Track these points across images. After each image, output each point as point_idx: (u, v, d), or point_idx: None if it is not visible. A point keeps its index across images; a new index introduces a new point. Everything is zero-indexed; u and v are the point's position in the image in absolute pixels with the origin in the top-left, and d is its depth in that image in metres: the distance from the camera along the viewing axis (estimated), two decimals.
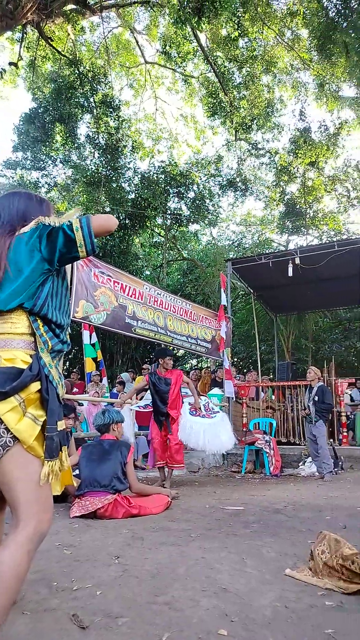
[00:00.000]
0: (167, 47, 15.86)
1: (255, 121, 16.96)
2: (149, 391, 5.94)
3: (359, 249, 9.07)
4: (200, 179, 17.63)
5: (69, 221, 1.56)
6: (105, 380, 10.07)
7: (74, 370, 11.26)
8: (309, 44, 14.84)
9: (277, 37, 15.20)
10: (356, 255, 9.37)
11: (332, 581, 2.00)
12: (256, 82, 16.00)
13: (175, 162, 17.48)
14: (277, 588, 1.96)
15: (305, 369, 7.85)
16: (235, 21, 13.54)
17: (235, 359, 16.71)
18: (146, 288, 7.20)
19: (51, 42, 14.00)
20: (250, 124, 16.91)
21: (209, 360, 14.27)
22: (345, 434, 8.19)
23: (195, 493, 5.00)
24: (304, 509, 3.83)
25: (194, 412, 5.89)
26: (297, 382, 8.99)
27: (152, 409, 5.75)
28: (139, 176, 16.39)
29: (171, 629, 1.56)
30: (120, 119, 16.80)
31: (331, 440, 7.25)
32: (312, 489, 5.14)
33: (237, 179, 18.12)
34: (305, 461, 7.23)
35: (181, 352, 15.64)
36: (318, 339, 16.38)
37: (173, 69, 17.71)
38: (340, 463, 6.86)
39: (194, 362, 19.97)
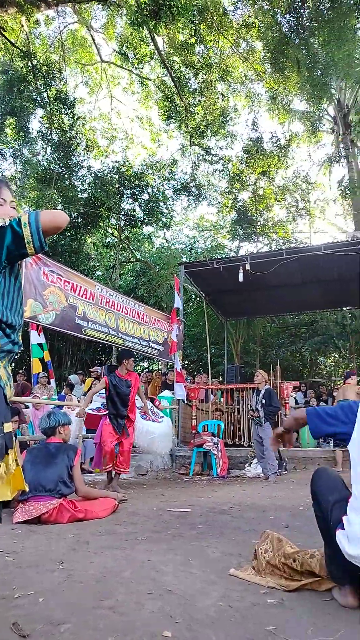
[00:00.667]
0: (124, 48, 15.81)
1: (210, 128, 17.24)
2: (98, 394, 5.84)
3: (306, 258, 9.43)
4: (155, 182, 17.67)
5: (17, 217, 1.52)
6: (53, 382, 9.82)
7: (20, 371, 10.90)
8: (263, 57, 15.30)
9: (233, 47, 15.55)
10: (303, 264, 9.74)
11: (275, 579, 2.05)
12: (211, 90, 16.27)
13: (129, 163, 17.42)
14: (221, 588, 1.99)
15: (253, 372, 8.04)
16: (192, 27, 13.72)
17: (186, 362, 16.84)
18: (98, 288, 7.11)
19: (3, 32, 13.55)
20: (204, 130, 17.16)
21: (159, 362, 14.25)
22: None
23: (143, 496, 4.99)
24: (249, 509, 3.92)
25: (144, 415, 5.88)
26: (245, 385, 9.19)
27: (104, 412, 5.64)
28: (93, 175, 16.19)
29: (115, 633, 1.55)
30: (75, 116, 16.51)
31: None
32: (257, 490, 5.27)
33: (191, 184, 18.33)
34: (251, 462, 7.39)
35: None
36: (266, 343, 16.83)
37: (129, 70, 17.67)
38: (284, 464, 7.07)
39: (145, 364, 19.92)
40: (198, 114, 16.82)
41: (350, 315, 14.67)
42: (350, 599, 1.77)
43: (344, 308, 14.28)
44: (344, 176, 17.50)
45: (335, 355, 17.99)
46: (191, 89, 16.46)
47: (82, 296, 6.60)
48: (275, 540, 2.17)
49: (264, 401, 6.68)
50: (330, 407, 2.02)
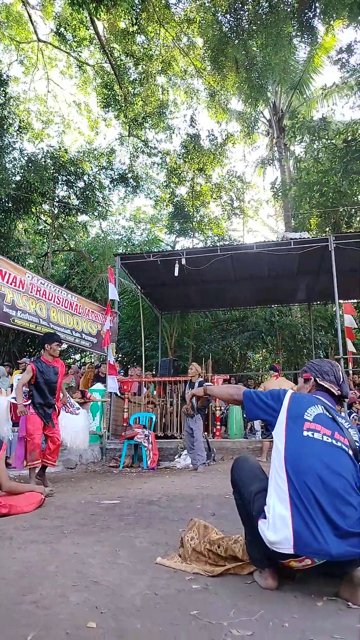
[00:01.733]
0: (62, 29, 15.23)
1: (149, 119, 17.13)
2: None
3: (239, 256, 9.71)
4: (92, 170, 17.28)
5: None
6: None
7: None
8: (203, 53, 15.42)
9: (174, 40, 15.53)
10: (236, 261, 10.03)
11: (200, 565, 2.11)
12: (151, 81, 16.17)
13: (65, 149, 16.88)
14: (148, 577, 2.01)
15: (186, 365, 8.16)
16: (134, 16, 13.52)
17: (120, 355, 16.72)
18: (28, 277, 6.85)
19: None
20: (143, 121, 17.03)
21: (92, 355, 14.02)
22: (218, 427, 8.70)
23: (71, 489, 4.90)
24: (177, 499, 3.99)
25: (64, 407, 5.68)
26: (178, 378, 9.31)
27: (27, 402, 5.27)
28: (26, 158, 15.47)
29: (38, 627, 1.51)
30: (7, 96, 15.66)
31: (205, 433, 7.63)
32: (186, 480, 5.37)
33: (129, 175, 18.13)
34: (181, 454, 7.51)
35: (64, 345, 15.16)
36: (199, 337, 17.13)
37: (67, 53, 17.08)
38: (212, 455, 7.26)
39: (78, 357, 19.52)
40: (137, 104, 16.65)
41: (278, 312, 15.33)
42: (270, 581, 1.86)
43: (273, 305, 14.90)
44: (276, 178, 18.16)
45: (264, 350, 18.72)
46: (131, 79, 16.25)
47: (10, 284, 6.32)
48: (202, 527, 2.23)
49: None
50: (264, 392, 2.11)
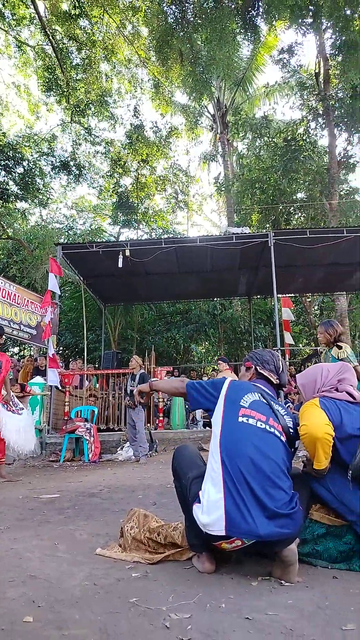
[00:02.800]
0: (1, 5, 14.46)
1: (92, 107, 16.74)
2: None
3: (183, 249, 9.78)
4: (32, 155, 16.63)
5: None
6: None
7: None
8: (148, 43, 15.26)
9: (118, 28, 15.23)
10: (180, 254, 10.09)
11: (140, 554, 2.13)
12: (94, 67, 15.78)
13: (3, 132, 16.11)
14: (87, 568, 2.00)
15: (130, 358, 8.14)
16: None
17: (61, 347, 16.34)
18: None
19: None
20: (85, 108, 16.60)
21: (32, 347, 13.61)
22: (161, 418, 8.76)
23: (9, 485, 4.75)
24: (119, 490, 3.99)
25: (5, 406, 5.49)
26: (120, 371, 9.26)
27: None
28: None
29: None
30: None
31: (148, 424, 7.67)
32: (128, 472, 5.38)
33: (71, 163, 17.64)
34: (123, 446, 7.50)
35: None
36: (143, 330, 17.11)
37: (5, 31, 16.23)
38: (155, 446, 7.31)
39: (16, 349, 18.85)
40: (80, 90, 16.19)
41: (220, 305, 15.63)
42: (207, 564, 1.92)
43: (216, 299, 15.18)
44: (219, 174, 18.43)
45: (206, 342, 19.05)
46: (73, 63, 15.76)
47: None
48: (142, 516, 2.25)
49: (137, 385, 6.83)
50: (205, 381, 2.15)
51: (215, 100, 18.76)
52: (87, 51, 15.32)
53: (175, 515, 2.78)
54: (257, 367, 2.23)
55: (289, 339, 11.08)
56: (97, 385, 9.95)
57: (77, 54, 15.74)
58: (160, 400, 8.76)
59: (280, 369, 2.23)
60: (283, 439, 1.95)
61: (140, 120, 17.92)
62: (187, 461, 2.10)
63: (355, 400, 2.06)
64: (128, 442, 7.20)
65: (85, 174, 18.55)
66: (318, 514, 2.04)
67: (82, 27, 14.92)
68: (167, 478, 4.55)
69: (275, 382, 2.20)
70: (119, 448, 7.58)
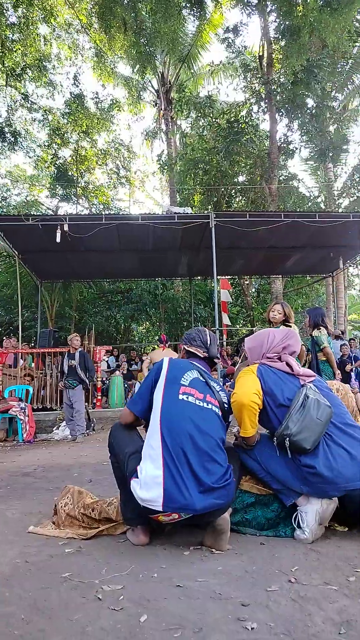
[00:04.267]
0: None
1: (29, 71, 15.79)
2: None
3: (125, 226, 9.59)
4: None
5: None
6: None
7: None
8: (90, 9, 14.56)
9: None
10: (121, 232, 9.90)
11: (74, 530, 2.13)
12: (32, 29, 14.83)
13: None
14: (18, 546, 1.97)
15: (68, 337, 7.97)
16: None
17: None
18: None
19: None
20: (22, 72, 15.63)
21: None
22: (99, 397, 8.71)
23: None
24: (54, 469, 3.94)
25: None
26: (57, 349, 9.05)
27: None
28: None
29: None
30: None
31: (86, 403, 7.59)
32: (64, 451, 5.32)
33: (6, 129, 16.60)
34: (59, 425, 7.39)
35: None
36: (82, 308, 16.77)
37: None
38: (92, 425, 7.28)
39: None
40: (16, 52, 15.18)
41: (161, 285, 15.64)
42: (141, 537, 1.97)
43: (157, 279, 15.14)
44: (162, 151, 18.16)
45: (147, 322, 19.04)
46: (9, 22, 14.70)
47: None
48: (76, 493, 2.24)
49: (78, 364, 6.74)
50: (142, 385, 2.15)
51: (160, 76, 18.33)
52: (23, 10, 14.32)
53: (111, 492, 2.80)
54: (185, 346, 2.29)
55: (226, 320, 11.36)
56: (33, 364, 9.67)
57: (12, 12, 14.67)
58: (99, 379, 8.69)
59: (208, 343, 2.28)
60: (219, 413, 2.02)
61: (81, 89, 17.17)
62: (125, 437, 2.11)
63: (293, 371, 2.16)
64: (64, 422, 7.11)
65: (20, 142, 17.56)
66: (248, 484, 2.14)
67: None
68: (104, 456, 4.54)
69: (203, 356, 2.25)
70: (55, 427, 7.47)
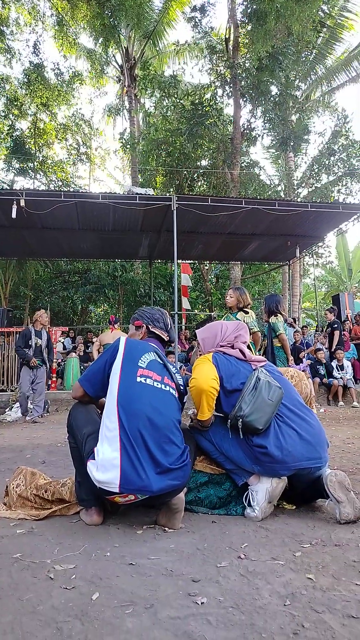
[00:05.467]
0: None
1: None
2: None
3: (84, 205, 9.36)
4: None
5: None
6: None
7: None
8: None
9: None
10: (81, 210, 9.66)
11: (25, 511, 2.10)
12: None
13: None
14: None
15: (22, 316, 7.75)
16: None
17: None
18: None
19: None
20: None
21: None
22: (54, 379, 8.57)
23: None
24: (5, 450, 3.85)
25: None
26: (11, 329, 8.80)
27: None
28: None
29: None
30: None
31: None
32: (17, 432, 5.21)
33: None
34: (12, 407, 7.23)
35: None
36: (37, 288, 16.33)
37: None
38: (46, 406, 7.16)
39: None
40: None
41: (121, 267, 15.45)
42: (95, 517, 1.97)
43: (117, 260, 14.94)
44: (125, 129, 17.77)
45: (105, 304, 18.82)
46: None
47: None
48: (29, 474, 2.21)
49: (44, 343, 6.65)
50: (94, 364, 2.14)
51: (124, 51, 17.81)
52: None
53: (65, 473, 2.78)
54: (149, 326, 2.27)
55: (186, 304, 11.41)
56: None
57: None
58: (55, 361, 8.54)
59: (169, 326, 2.30)
60: (176, 395, 2.05)
61: (41, 59, 16.42)
62: (84, 417, 2.09)
63: (245, 358, 2.22)
64: (18, 403, 6.96)
65: None
66: (202, 465, 2.19)
67: None
68: (58, 437, 4.50)
69: (166, 339, 2.27)
70: (8, 409, 7.30)
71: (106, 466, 1.80)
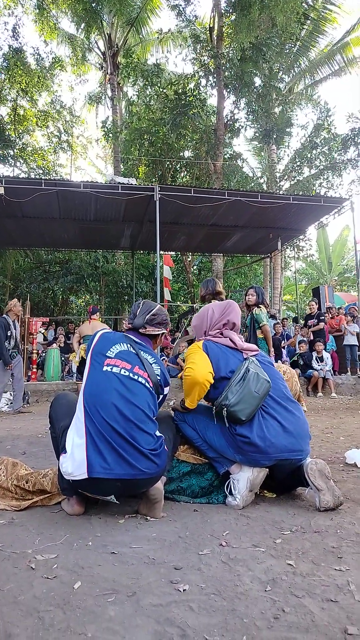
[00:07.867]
0: None
1: None
2: None
3: (65, 194, 9.23)
4: None
5: None
6: None
7: None
8: None
9: None
10: (62, 199, 9.52)
11: (6, 501, 2.08)
12: None
13: None
14: None
15: (2, 307, 7.62)
16: None
17: None
18: None
19: None
20: None
21: None
22: (34, 370, 8.48)
23: None
24: None
25: None
26: None
27: None
28: None
29: None
30: None
31: None
32: None
33: None
34: None
35: None
36: (17, 277, 16.07)
37: None
38: (26, 397, 7.09)
39: None
40: None
41: (103, 257, 15.30)
42: (76, 507, 1.96)
43: (98, 250, 14.79)
44: (107, 118, 17.50)
45: (87, 295, 18.65)
46: None
47: None
48: (10, 465, 2.19)
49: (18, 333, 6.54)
50: None
51: (107, 37, 17.48)
52: None
53: (46, 464, 2.76)
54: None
55: (167, 295, 11.40)
56: None
57: None
58: (35, 352, 8.44)
59: (136, 314, 2.23)
60: (149, 385, 2.01)
61: (20, 43, 16.00)
62: (64, 409, 2.08)
63: (236, 346, 2.23)
64: None
65: None
66: (185, 455, 2.20)
67: None
68: (38, 429, 4.47)
69: (127, 327, 2.24)
70: None
71: (75, 456, 1.80)
